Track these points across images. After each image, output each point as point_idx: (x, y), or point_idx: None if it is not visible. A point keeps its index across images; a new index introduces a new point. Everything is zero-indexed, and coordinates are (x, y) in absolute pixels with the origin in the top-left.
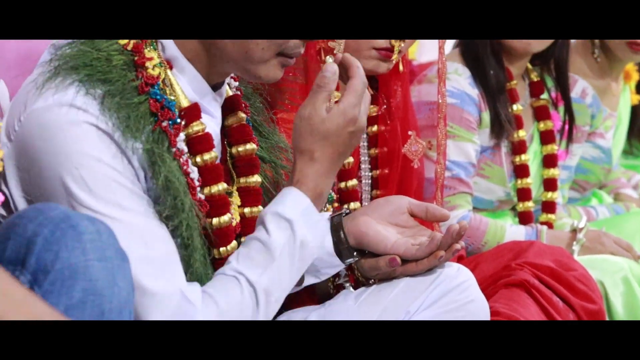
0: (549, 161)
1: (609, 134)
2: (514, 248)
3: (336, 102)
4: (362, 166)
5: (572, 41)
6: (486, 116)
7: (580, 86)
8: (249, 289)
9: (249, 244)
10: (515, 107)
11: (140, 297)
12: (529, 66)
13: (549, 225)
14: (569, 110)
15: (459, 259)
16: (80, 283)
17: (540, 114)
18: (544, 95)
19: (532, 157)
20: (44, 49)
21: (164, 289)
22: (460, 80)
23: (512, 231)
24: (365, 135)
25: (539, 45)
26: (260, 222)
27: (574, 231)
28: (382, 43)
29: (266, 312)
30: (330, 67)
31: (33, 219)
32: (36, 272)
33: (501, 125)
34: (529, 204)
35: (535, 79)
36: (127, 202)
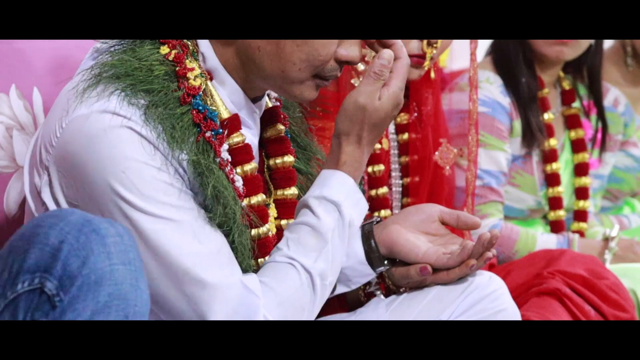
0: (581, 170)
1: None
2: (545, 256)
3: (384, 85)
4: (393, 174)
5: (605, 49)
6: (517, 125)
7: (613, 95)
8: (305, 274)
9: (297, 229)
10: (546, 115)
11: (201, 291)
12: (561, 74)
13: (581, 234)
14: (602, 118)
15: (491, 267)
16: (106, 288)
17: (572, 122)
18: (576, 104)
19: (563, 166)
20: (79, 57)
21: (225, 280)
22: (492, 88)
23: (543, 240)
24: (395, 143)
25: (572, 52)
26: (304, 206)
27: (606, 240)
28: (414, 49)
29: (322, 297)
30: (387, 54)
31: (54, 225)
32: (62, 278)
33: (532, 134)
34: (561, 213)
35: (567, 87)
36: (177, 200)
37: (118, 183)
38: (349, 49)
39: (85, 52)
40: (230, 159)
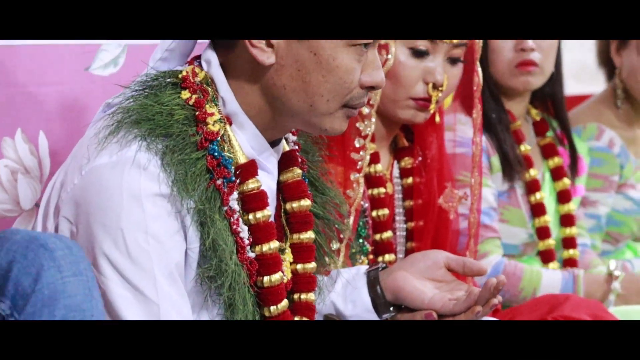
0: (563, 197)
1: None
2: (550, 301)
3: None
4: (397, 218)
5: (597, 92)
6: (496, 160)
7: (608, 136)
8: None
9: None
10: (522, 147)
11: None
12: (530, 107)
13: (573, 261)
14: (570, 143)
15: (495, 313)
16: (61, 301)
17: (548, 151)
18: (549, 133)
19: (547, 195)
20: (85, 102)
21: None
22: (465, 129)
23: (549, 276)
24: (400, 187)
25: (537, 81)
26: None
27: (610, 275)
28: (420, 93)
29: None
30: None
31: (0, 248)
32: (15, 297)
33: (512, 167)
34: (550, 242)
35: (537, 118)
36: (161, 276)
37: (111, 238)
38: (372, 74)
39: (93, 97)
40: (238, 208)
